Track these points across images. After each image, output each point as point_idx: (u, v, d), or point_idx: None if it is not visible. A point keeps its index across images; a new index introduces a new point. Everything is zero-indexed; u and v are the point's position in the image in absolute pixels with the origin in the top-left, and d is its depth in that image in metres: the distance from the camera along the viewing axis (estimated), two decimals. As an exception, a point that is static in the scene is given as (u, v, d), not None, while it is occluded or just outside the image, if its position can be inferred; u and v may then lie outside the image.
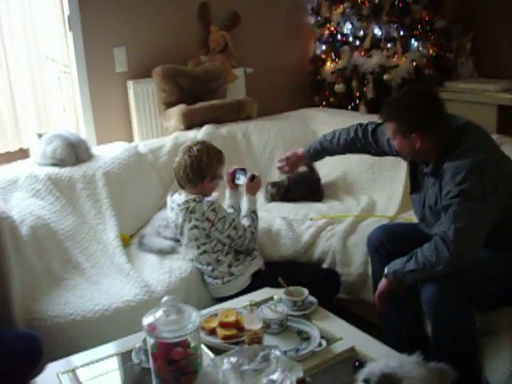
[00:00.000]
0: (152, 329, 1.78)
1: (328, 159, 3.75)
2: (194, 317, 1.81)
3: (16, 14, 3.69)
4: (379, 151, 2.84)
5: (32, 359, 2.26)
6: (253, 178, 2.99)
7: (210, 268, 2.86)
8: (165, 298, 1.83)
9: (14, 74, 3.74)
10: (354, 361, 2.02)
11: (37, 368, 2.21)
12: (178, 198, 2.87)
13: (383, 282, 2.44)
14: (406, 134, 2.38)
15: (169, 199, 2.96)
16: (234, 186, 3.04)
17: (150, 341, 1.82)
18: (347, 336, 2.20)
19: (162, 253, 3.02)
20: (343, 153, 3.03)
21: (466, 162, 2.25)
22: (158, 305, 1.89)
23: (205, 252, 2.84)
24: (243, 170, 3.03)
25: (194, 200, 2.78)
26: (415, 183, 2.61)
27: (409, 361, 1.77)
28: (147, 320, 1.81)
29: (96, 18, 3.88)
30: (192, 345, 1.84)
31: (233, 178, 3.02)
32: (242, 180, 3.00)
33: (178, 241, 3.07)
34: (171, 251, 3.03)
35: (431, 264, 2.24)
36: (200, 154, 2.81)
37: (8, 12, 3.66)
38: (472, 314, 2.28)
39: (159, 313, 1.81)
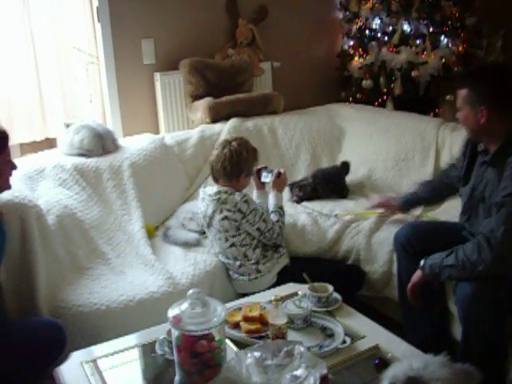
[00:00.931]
0: (177, 321, 1.78)
1: (354, 156, 3.76)
2: (220, 310, 1.81)
3: (45, 5, 3.72)
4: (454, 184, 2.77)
5: (56, 348, 2.30)
6: (279, 174, 3.03)
7: (237, 263, 2.87)
8: (190, 291, 1.83)
9: (41, 64, 3.78)
10: (376, 359, 2.01)
11: (60, 356, 2.24)
12: (210, 190, 2.89)
13: (418, 274, 2.41)
14: (474, 104, 2.31)
15: (201, 190, 2.99)
16: (261, 185, 3.08)
17: (175, 333, 1.82)
18: (371, 334, 2.18)
19: (187, 245, 3.02)
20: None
21: None
22: (181, 297, 1.89)
23: (233, 245, 2.85)
24: (266, 168, 3.08)
25: (226, 192, 2.81)
26: (467, 175, 2.54)
27: (433, 361, 1.74)
28: (173, 312, 1.81)
29: (124, 10, 3.89)
30: (216, 338, 1.83)
31: (259, 176, 3.06)
32: (268, 178, 3.03)
33: (203, 233, 3.08)
34: (196, 244, 3.04)
35: (471, 263, 2.21)
36: (240, 148, 2.86)
37: (37, 2, 3.69)
38: (504, 318, 2.24)
39: (185, 305, 1.81)
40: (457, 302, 2.29)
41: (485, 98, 2.28)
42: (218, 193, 2.82)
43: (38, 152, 3.41)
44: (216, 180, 2.92)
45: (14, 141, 3.82)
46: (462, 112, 2.39)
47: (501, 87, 2.29)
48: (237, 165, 2.85)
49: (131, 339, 2.25)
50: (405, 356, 1.92)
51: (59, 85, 3.86)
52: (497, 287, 2.19)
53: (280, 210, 2.98)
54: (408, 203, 2.99)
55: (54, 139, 3.84)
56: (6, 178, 2.32)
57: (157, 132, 4.08)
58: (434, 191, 2.90)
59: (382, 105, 4.45)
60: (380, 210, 3.12)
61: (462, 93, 2.37)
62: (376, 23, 4.46)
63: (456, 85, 2.47)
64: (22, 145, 3.95)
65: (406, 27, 4.32)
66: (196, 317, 1.78)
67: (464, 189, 2.54)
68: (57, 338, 2.31)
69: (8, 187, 2.36)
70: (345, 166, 3.59)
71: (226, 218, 2.80)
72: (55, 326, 2.34)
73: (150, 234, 3.15)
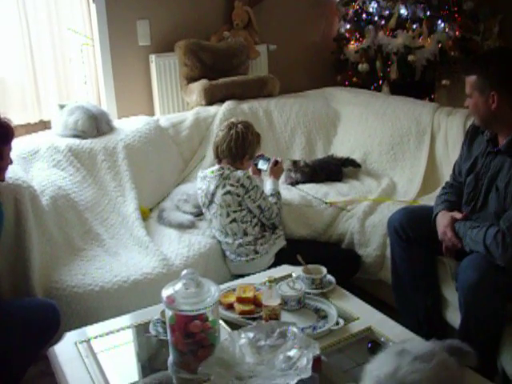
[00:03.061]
0: (171, 301, 1.79)
1: (349, 139, 3.76)
2: (213, 291, 1.81)
3: None
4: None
5: (50, 328, 2.30)
6: (276, 163, 3.11)
7: (236, 242, 2.89)
8: (184, 271, 1.83)
9: (35, 45, 3.72)
10: (368, 342, 2.02)
11: (55, 336, 2.25)
12: (211, 169, 2.95)
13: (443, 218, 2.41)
14: (484, 90, 2.25)
15: (200, 172, 3.03)
16: (257, 172, 3.15)
17: (169, 313, 1.82)
18: (364, 316, 2.18)
19: (182, 227, 3.03)
20: None
21: None
22: (176, 278, 1.89)
23: (234, 221, 2.88)
24: (263, 156, 3.15)
25: (229, 168, 2.88)
26: (474, 164, 2.47)
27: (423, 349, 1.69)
28: (166, 292, 1.82)
29: (120, -9, 3.85)
30: (210, 318, 1.84)
31: (255, 163, 3.13)
32: (265, 165, 3.11)
33: (197, 216, 3.09)
34: (191, 226, 3.04)
35: (488, 250, 2.19)
36: (246, 131, 2.93)
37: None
38: (504, 306, 2.23)
39: (178, 285, 1.81)
40: (460, 289, 2.27)
41: (495, 82, 2.22)
42: (221, 169, 2.88)
43: (33, 134, 3.39)
44: (219, 161, 2.97)
45: (7, 123, 3.82)
46: (472, 100, 2.32)
47: (511, 71, 2.24)
48: (242, 146, 2.91)
49: (125, 320, 2.25)
50: (398, 339, 1.93)
51: (54, 66, 3.82)
52: (500, 275, 2.18)
53: (278, 194, 3.03)
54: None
55: (49, 121, 3.79)
56: (3, 171, 2.36)
57: (152, 114, 4.05)
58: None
59: (378, 89, 4.44)
60: (372, 197, 3.13)
61: (471, 79, 2.30)
62: (373, 7, 4.44)
63: (464, 71, 2.40)
64: (15, 127, 3.90)
65: (403, 11, 4.30)
66: (190, 297, 1.78)
67: (468, 178, 2.47)
68: (51, 318, 2.32)
69: (2, 180, 2.39)
70: (351, 163, 3.58)
71: (228, 192, 2.84)
72: (50, 306, 2.34)
73: (145, 215, 3.15)
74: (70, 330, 2.20)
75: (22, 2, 3.62)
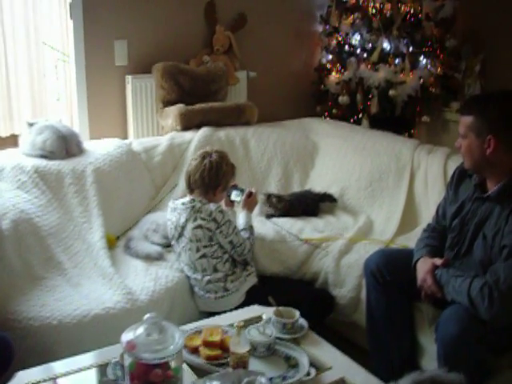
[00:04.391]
0: (131, 347, 1.66)
1: (327, 173, 3.68)
2: (177, 337, 1.69)
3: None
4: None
5: (0, 362, 2.14)
6: (250, 194, 2.99)
7: (205, 279, 2.77)
8: (147, 315, 1.70)
9: (11, 58, 3.63)
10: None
11: (6, 373, 2.09)
12: (182, 200, 2.84)
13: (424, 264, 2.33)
14: (481, 133, 2.17)
15: (171, 203, 2.91)
16: (230, 203, 3.03)
17: (128, 359, 1.69)
18: (337, 365, 2.07)
19: (149, 258, 2.89)
20: None
21: None
22: (140, 314, 1.79)
23: (204, 256, 2.76)
24: (236, 186, 3.02)
25: (201, 201, 2.77)
26: (460, 208, 2.39)
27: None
28: (126, 337, 1.69)
29: (99, 8, 3.74)
30: (173, 366, 1.72)
31: (228, 194, 3.00)
32: (239, 196, 2.99)
33: (166, 247, 2.96)
34: (158, 257, 2.90)
35: (472, 303, 2.11)
36: (220, 161, 2.84)
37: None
38: (488, 360, 2.15)
39: (140, 330, 1.69)
40: (439, 341, 2.18)
41: (493, 126, 2.15)
42: (193, 201, 2.77)
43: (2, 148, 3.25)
44: (191, 191, 2.85)
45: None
46: (466, 141, 2.24)
47: (511, 116, 2.17)
48: (215, 177, 2.81)
49: (83, 359, 2.09)
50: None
51: (28, 80, 3.72)
52: (483, 327, 2.11)
53: (251, 228, 2.92)
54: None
55: (19, 136, 3.68)
56: None
57: (125, 136, 3.93)
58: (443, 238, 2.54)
59: (358, 122, 4.39)
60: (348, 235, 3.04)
61: (467, 120, 2.22)
62: (356, 39, 4.39)
63: (461, 111, 2.33)
64: None
65: (386, 45, 4.26)
66: (151, 344, 1.66)
67: (454, 222, 2.39)
68: (2, 353, 2.15)
69: None
70: (328, 198, 3.50)
71: (199, 226, 2.73)
72: (2, 339, 2.18)
73: (111, 244, 3.01)
74: (23, 367, 2.04)
75: (-1, 12, 3.53)
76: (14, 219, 2.70)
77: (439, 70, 4.31)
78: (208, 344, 2.06)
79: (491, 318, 2.08)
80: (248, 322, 2.22)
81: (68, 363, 2.07)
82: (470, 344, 2.08)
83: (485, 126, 2.16)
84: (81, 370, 2.03)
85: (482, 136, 2.17)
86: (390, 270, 2.49)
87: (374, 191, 3.47)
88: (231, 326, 2.15)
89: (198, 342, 2.09)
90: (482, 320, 2.11)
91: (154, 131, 4.00)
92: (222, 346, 2.06)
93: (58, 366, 2.05)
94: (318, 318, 2.80)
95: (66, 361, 2.09)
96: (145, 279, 2.71)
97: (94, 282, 2.69)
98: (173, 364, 1.71)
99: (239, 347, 1.92)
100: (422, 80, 4.22)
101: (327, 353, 2.15)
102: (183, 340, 1.72)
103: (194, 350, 2.07)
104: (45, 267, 2.71)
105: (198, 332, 2.17)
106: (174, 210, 2.84)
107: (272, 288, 2.73)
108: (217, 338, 2.08)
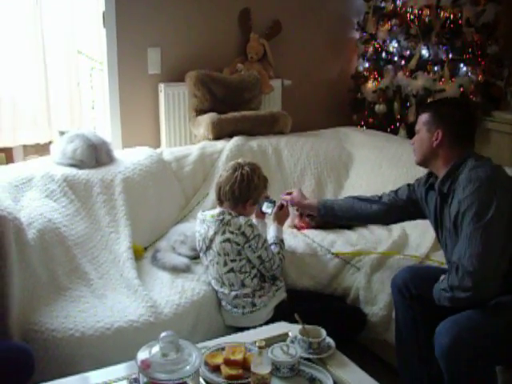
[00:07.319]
0: (146, 366, 1.60)
1: (361, 184, 3.57)
2: (194, 357, 1.63)
3: (57, 6, 3.66)
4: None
5: (21, 376, 2.11)
6: (281, 207, 2.92)
7: (232, 294, 2.69)
8: (163, 334, 1.64)
9: (50, 66, 3.71)
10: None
11: (27, 384, 2.06)
12: (211, 212, 2.78)
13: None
14: (431, 127, 2.36)
15: (200, 214, 2.85)
16: (261, 215, 2.95)
17: (144, 379, 1.63)
18: (364, 388, 1.98)
19: (176, 270, 2.83)
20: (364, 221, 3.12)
21: (480, 175, 2.18)
22: (163, 328, 1.74)
23: (231, 270, 2.69)
24: (269, 198, 2.94)
25: (230, 214, 2.69)
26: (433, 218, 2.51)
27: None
28: (142, 355, 1.63)
29: (132, 16, 3.73)
30: (190, 387, 1.65)
31: (259, 205, 2.91)
32: (270, 209, 2.91)
33: (193, 259, 2.90)
34: (185, 270, 2.84)
35: (452, 291, 2.13)
36: (252, 174, 2.75)
37: (50, 3, 3.61)
38: (492, 371, 2.10)
39: (155, 349, 1.63)
40: (438, 356, 2.12)
41: (442, 120, 2.35)
42: (222, 213, 2.69)
43: (41, 155, 3.31)
44: (221, 203, 2.78)
45: (17, 142, 3.77)
46: (419, 136, 2.44)
47: (460, 117, 2.36)
48: (246, 190, 2.72)
49: (104, 374, 2.04)
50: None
51: (67, 88, 3.75)
52: (476, 337, 2.05)
53: (281, 242, 2.84)
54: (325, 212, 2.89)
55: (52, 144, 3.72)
56: None
57: (158, 145, 3.91)
58: (358, 215, 2.82)
59: (395, 131, 4.27)
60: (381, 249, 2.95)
61: (423, 117, 2.43)
62: (393, 46, 4.29)
63: (421, 110, 2.51)
64: (25, 146, 3.86)
65: (425, 52, 4.14)
66: (167, 364, 1.60)
67: (431, 221, 2.53)
68: (24, 365, 2.12)
69: None
70: None
71: (228, 240, 2.66)
72: (24, 351, 2.15)
73: (139, 254, 2.96)
74: (44, 379, 2.01)
75: (39, 22, 3.59)
76: (41, 228, 2.67)
77: (480, 77, 4.15)
78: (229, 363, 1.99)
79: (473, 294, 2.06)
80: (273, 340, 2.15)
81: (86, 378, 2.04)
82: (465, 355, 2.03)
83: (436, 120, 2.37)
84: (100, 384, 1.98)
85: (431, 130, 2.37)
86: (416, 284, 2.42)
87: (409, 204, 3.34)
88: (255, 343, 2.07)
89: (219, 359, 2.02)
90: (472, 330, 2.06)
91: (187, 140, 3.97)
92: (245, 365, 1.98)
93: (78, 380, 2.02)
94: (349, 335, 2.71)
95: (86, 374, 2.06)
96: (170, 292, 2.65)
97: (119, 294, 2.65)
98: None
99: (261, 368, 1.84)
100: (462, 88, 4.08)
101: (353, 374, 2.06)
102: (200, 360, 1.65)
103: (216, 368, 2.00)
104: (70, 277, 2.68)
105: (221, 349, 2.10)
106: (203, 221, 2.78)
107: (302, 304, 2.65)
108: (239, 356, 2.00)
